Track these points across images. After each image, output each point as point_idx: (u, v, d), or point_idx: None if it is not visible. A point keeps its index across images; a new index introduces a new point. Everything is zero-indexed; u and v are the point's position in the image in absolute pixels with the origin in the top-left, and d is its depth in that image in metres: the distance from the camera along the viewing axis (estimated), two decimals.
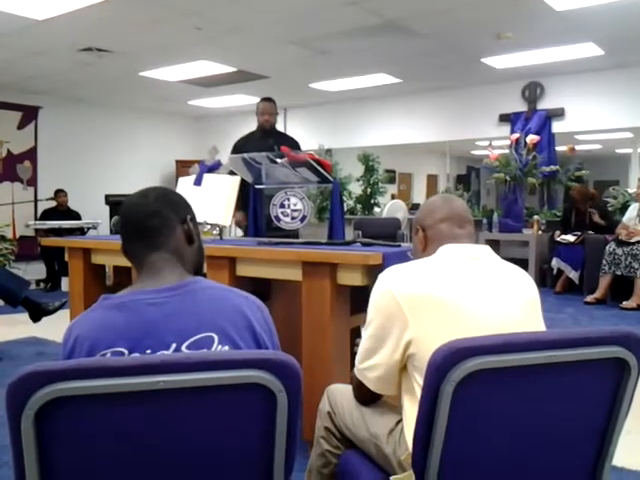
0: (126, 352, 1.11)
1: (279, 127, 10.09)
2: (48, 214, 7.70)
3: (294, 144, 4.31)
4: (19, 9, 4.67)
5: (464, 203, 1.59)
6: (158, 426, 0.98)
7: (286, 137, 4.44)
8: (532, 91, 7.36)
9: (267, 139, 4.10)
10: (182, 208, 1.35)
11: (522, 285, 1.44)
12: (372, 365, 1.40)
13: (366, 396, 1.50)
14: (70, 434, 0.95)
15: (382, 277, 1.41)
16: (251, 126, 11.01)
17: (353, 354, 1.48)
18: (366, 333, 1.42)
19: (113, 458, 0.97)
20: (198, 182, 3.09)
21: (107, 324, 1.14)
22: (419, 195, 10.47)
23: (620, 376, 1.19)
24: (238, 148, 4.22)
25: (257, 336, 1.21)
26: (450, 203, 1.54)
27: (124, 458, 0.98)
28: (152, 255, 1.27)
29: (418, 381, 1.29)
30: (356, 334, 2.40)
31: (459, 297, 1.32)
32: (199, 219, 1.47)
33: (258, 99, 9.42)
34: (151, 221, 1.29)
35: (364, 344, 1.43)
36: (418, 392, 1.21)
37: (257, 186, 3.23)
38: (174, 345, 1.13)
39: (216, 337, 1.15)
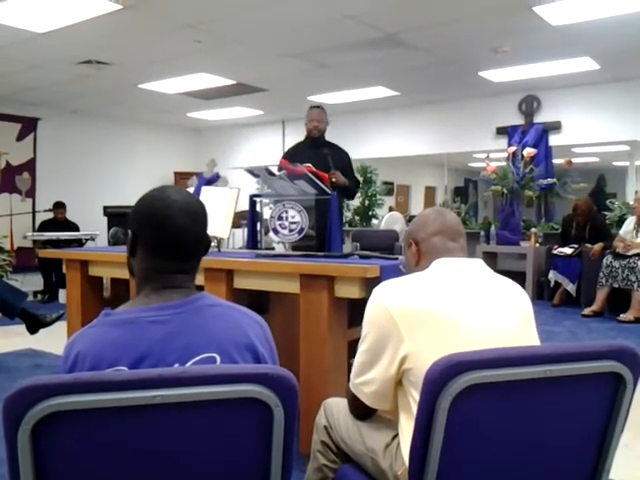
0: None
1: (276, 139, 10.12)
2: (46, 225, 7.70)
3: (347, 158, 4.20)
4: (19, 22, 4.70)
5: (456, 216, 1.59)
6: (155, 440, 0.98)
7: (339, 149, 4.22)
8: (529, 104, 7.41)
9: (320, 149, 3.99)
10: (207, 224, 1.30)
11: (515, 298, 1.44)
12: (367, 380, 1.40)
13: (361, 410, 1.50)
14: (67, 448, 0.95)
15: (376, 292, 1.41)
16: (250, 138, 10.95)
17: (350, 367, 1.48)
18: (361, 348, 1.42)
19: (110, 473, 0.97)
20: (196, 194, 3.10)
21: (108, 342, 1.13)
22: (417, 207, 10.48)
23: (616, 390, 1.19)
24: (288, 159, 4.02)
25: (258, 355, 1.20)
26: (443, 217, 1.54)
27: (121, 473, 0.98)
28: (169, 274, 1.22)
29: (414, 396, 1.28)
30: (354, 346, 2.40)
31: (454, 311, 1.32)
32: None
33: (257, 111, 9.37)
34: (195, 249, 1.25)
35: (359, 358, 1.42)
36: (414, 407, 1.21)
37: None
38: (176, 365, 1.12)
39: (218, 358, 1.14)
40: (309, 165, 3.13)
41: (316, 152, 3.93)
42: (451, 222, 1.53)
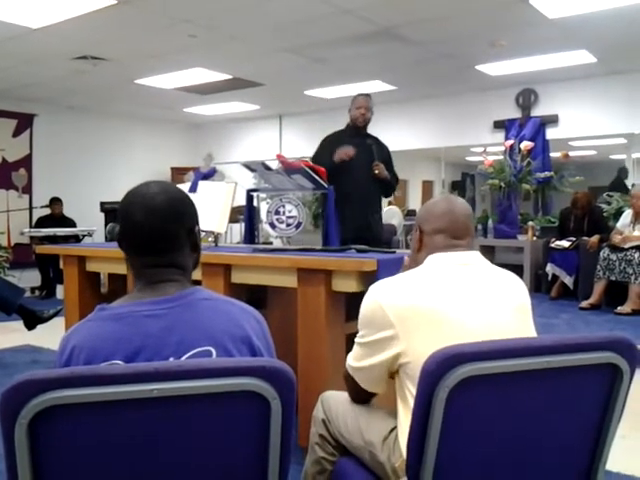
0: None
1: (273, 133, 10.07)
2: (43, 221, 7.68)
3: (388, 152, 4.05)
4: (13, 17, 4.68)
5: (467, 209, 1.51)
6: (152, 434, 0.98)
7: (381, 142, 4.06)
8: (526, 98, 7.41)
9: (364, 139, 3.87)
10: (189, 218, 1.27)
11: (513, 290, 1.44)
12: (363, 367, 1.43)
13: (361, 394, 1.51)
14: (64, 442, 0.95)
15: (371, 290, 1.41)
16: (247, 133, 10.92)
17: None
18: (357, 340, 1.44)
19: (107, 467, 0.97)
20: (193, 189, 3.09)
21: (104, 336, 1.13)
22: (415, 201, 10.49)
23: (613, 381, 1.19)
24: (328, 147, 3.89)
25: (254, 349, 1.20)
26: (452, 212, 1.47)
27: (119, 466, 0.98)
28: (154, 269, 1.22)
29: (411, 390, 1.29)
30: (352, 340, 2.41)
31: (449, 307, 1.32)
32: None
33: (254, 106, 9.33)
34: (158, 244, 1.21)
35: (356, 348, 1.45)
36: (411, 401, 1.22)
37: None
38: (172, 359, 1.12)
39: (214, 351, 1.14)
40: (306, 160, 3.12)
41: (360, 141, 3.82)
42: (459, 219, 1.47)
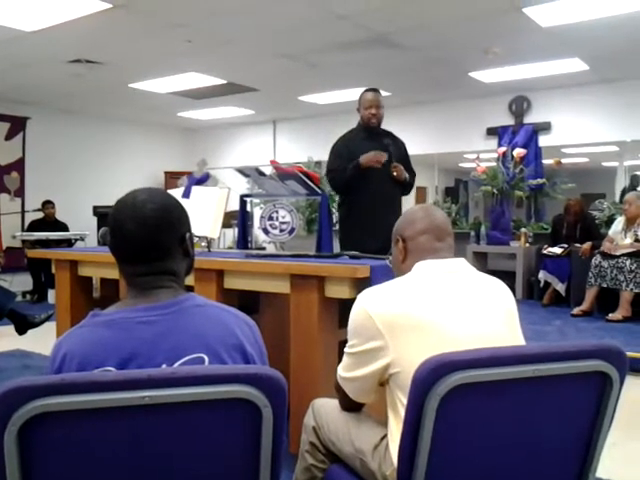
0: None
1: (267, 139, 10.05)
2: (35, 225, 7.65)
3: (405, 149, 3.89)
4: (8, 21, 4.67)
5: (444, 215, 1.57)
6: (144, 441, 0.98)
7: (397, 139, 3.86)
8: (519, 105, 7.45)
9: (380, 138, 3.68)
10: (180, 226, 1.25)
11: (500, 297, 1.45)
12: (352, 377, 1.42)
13: (348, 402, 1.51)
14: (54, 449, 0.94)
15: (359, 299, 1.41)
16: (241, 138, 10.89)
17: None
18: (347, 350, 1.44)
19: (98, 474, 0.97)
20: (186, 194, 3.09)
21: (96, 342, 1.12)
22: (408, 207, 10.50)
23: (603, 389, 1.20)
24: (345, 152, 3.69)
25: (247, 356, 1.20)
26: (430, 215, 1.52)
27: (109, 474, 0.97)
28: (146, 277, 1.21)
29: (401, 399, 1.29)
30: (345, 346, 2.41)
31: (438, 314, 1.32)
32: None
33: (248, 111, 9.30)
34: (149, 253, 1.20)
35: (345, 358, 1.45)
36: (401, 409, 1.21)
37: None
38: (164, 366, 1.11)
39: (206, 358, 1.14)
40: (300, 165, 3.13)
41: (376, 143, 3.65)
42: (439, 220, 1.51)
